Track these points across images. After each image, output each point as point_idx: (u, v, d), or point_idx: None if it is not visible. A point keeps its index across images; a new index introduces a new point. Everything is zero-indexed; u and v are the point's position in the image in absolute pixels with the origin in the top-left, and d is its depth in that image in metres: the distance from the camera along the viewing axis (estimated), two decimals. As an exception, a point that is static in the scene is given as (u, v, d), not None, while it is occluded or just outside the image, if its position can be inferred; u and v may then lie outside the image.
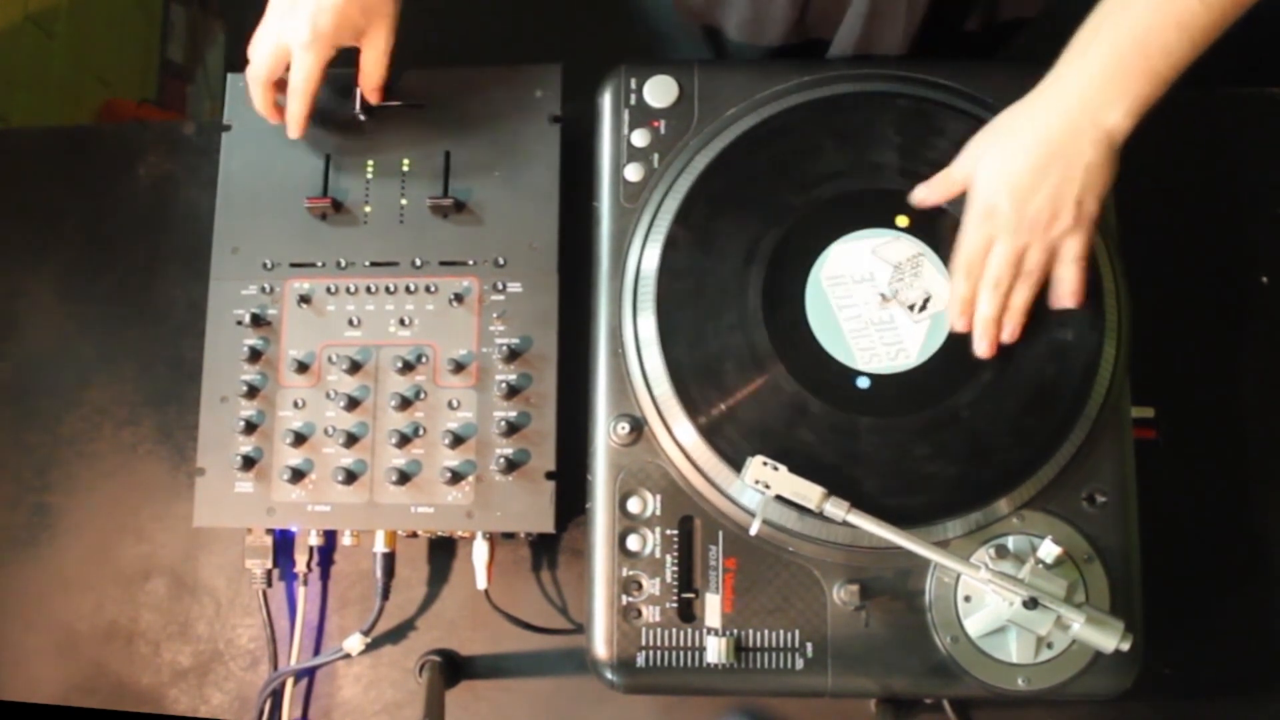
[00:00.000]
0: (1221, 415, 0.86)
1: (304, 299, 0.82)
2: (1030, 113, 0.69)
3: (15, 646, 0.88)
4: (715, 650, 0.71)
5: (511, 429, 0.79)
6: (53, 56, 1.56)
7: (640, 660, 0.72)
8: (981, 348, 0.72)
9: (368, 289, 0.82)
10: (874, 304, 0.75)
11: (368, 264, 0.82)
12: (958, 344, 0.73)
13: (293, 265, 0.83)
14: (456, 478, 0.78)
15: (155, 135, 0.98)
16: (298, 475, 0.79)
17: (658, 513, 0.74)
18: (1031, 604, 0.66)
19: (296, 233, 0.83)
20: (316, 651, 0.85)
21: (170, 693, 0.86)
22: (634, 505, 0.74)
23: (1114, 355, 0.74)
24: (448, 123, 0.85)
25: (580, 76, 0.87)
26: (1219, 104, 0.92)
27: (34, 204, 0.96)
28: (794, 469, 0.69)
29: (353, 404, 0.80)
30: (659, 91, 0.80)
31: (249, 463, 0.79)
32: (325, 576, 0.86)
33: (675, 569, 0.73)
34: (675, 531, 0.73)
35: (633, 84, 0.80)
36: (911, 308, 0.74)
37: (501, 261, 0.82)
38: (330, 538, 0.85)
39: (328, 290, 0.82)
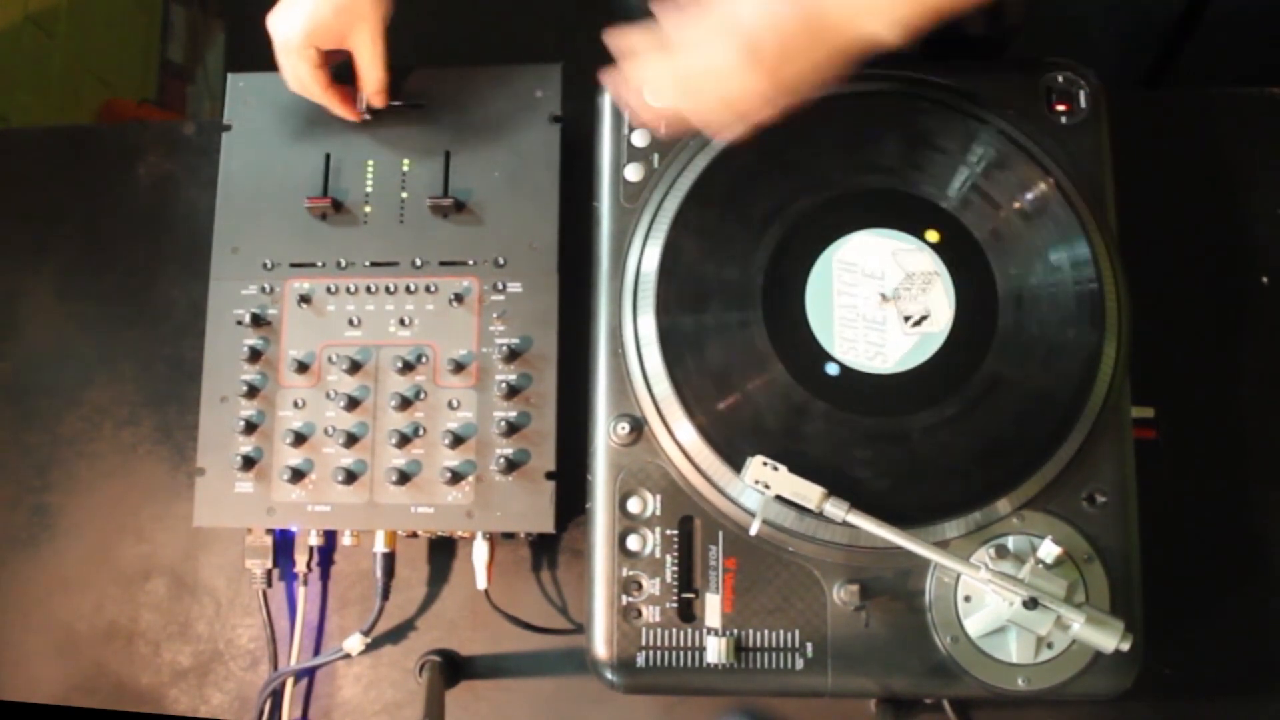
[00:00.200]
0: (1221, 415, 0.86)
1: (304, 299, 0.82)
2: None
3: (15, 646, 0.88)
4: (715, 650, 0.71)
5: (511, 429, 0.79)
6: (53, 56, 1.56)
7: (640, 660, 0.72)
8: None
9: (368, 289, 0.82)
10: (873, 301, 0.75)
11: (368, 264, 0.82)
12: (937, 368, 0.73)
13: (293, 265, 0.83)
14: (456, 478, 0.78)
15: (155, 135, 0.98)
16: (298, 475, 0.79)
17: (658, 513, 0.74)
18: (1031, 604, 0.66)
19: (296, 233, 0.83)
20: (316, 651, 0.85)
21: (170, 693, 0.86)
22: (634, 505, 0.74)
23: (1114, 355, 0.74)
24: (448, 123, 0.85)
25: (580, 76, 0.87)
26: (1219, 104, 0.92)
27: (34, 204, 0.96)
28: (794, 469, 0.69)
29: (353, 404, 0.80)
30: (659, 91, 0.80)
31: (249, 463, 0.80)
32: (325, 576, 0.86)
33: (675, 569, 0.73)
34: (675, 531, 0.73)
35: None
36: (907, 319, 0.74)
37: (501, 261, 0.82)
38: (330, 538, 0.86)
39: (328, 290, 0.82)
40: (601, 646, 0.73)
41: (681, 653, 0.72)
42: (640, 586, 0.73)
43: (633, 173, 0.79)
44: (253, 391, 0.81)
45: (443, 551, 0.86)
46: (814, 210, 0.76)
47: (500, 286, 0.81)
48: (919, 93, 0.79)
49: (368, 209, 0.84)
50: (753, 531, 0.70)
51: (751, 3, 0.65)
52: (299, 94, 0.83)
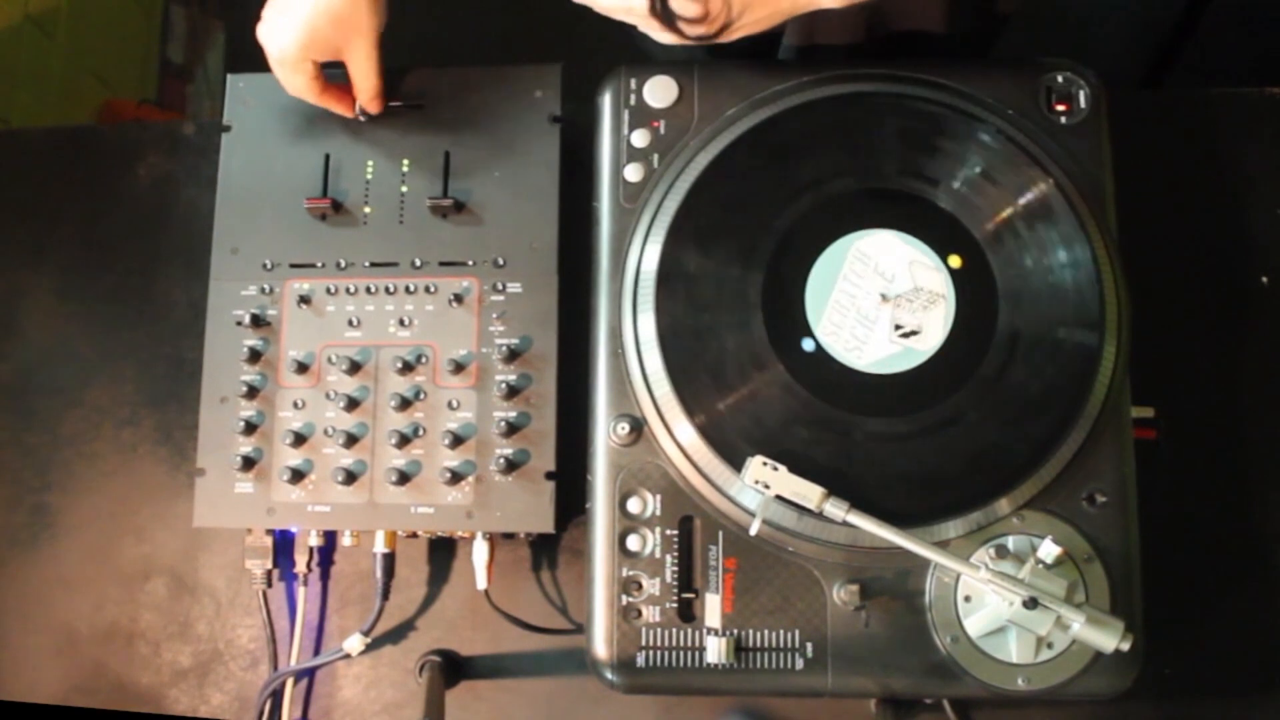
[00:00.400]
0: (1221, 415, 0.86)
1: (304, 299, 0.82)
2: None
3: (15, 646, 0.88)
4: (715, 650, 0.71)
5: (511, 429, 0.79)
6: (53, 56, 1.56)
7: (640, 660, 0.72)
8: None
9: (367, 289, 0.82)
10: (873, 298, 0.75)
11: (368, 264, 0.82)
12: (906, 384, 0.73)
13: (293, 265, 0.83)
14: (456, 478, 0.78)
15: (155, 135, 0.98)
16: (298, 475, 0.79)
17: (658, 513, 0.74)
18: (1031, 604, 0.66)
19: (296, 233, 0.83)
20: (316, 651, 0.85)
21: (170, 693, 0.86)
22: (634, 505, 0.74)
23: (1114, 355, 0.74)
24: (448, 123, 0.85)
25: (580, 76, 0.87)
26: (1219, 104, 0.92)
27: (34, 204, 0.96)
28: (794, 469, 0.69)
29: (353, 404, 0.80)
30: (659, 92, 0.80)
31: (249, 463, 0.80)
32: (325, 576, 0.86)
33: (675, 569, 0.73)
34: (675, 531, 0.74)
35: (632, 84, 0.80)
36: (898, 328, 0.74)
37: (501, 262, 0.82)
38: (330, 538, 0.86)
39: (328, 290, 0.82)
40: (601, 646, 0.73)
41: (681, 653, 0.72)
42: (640, 586, 0.73)
43: (633, 173, 0.79)
44: (252, 392, 0.81)
45: (443, 551, 0.86)
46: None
47: (500, 287, 0.81)
48: (919, 93, 0.79)
49: (367, 209, 0.84)
50: (753, 531, 0.70)
51: None
52: (296, 98, 0.83)
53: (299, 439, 0.80)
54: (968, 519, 0.71)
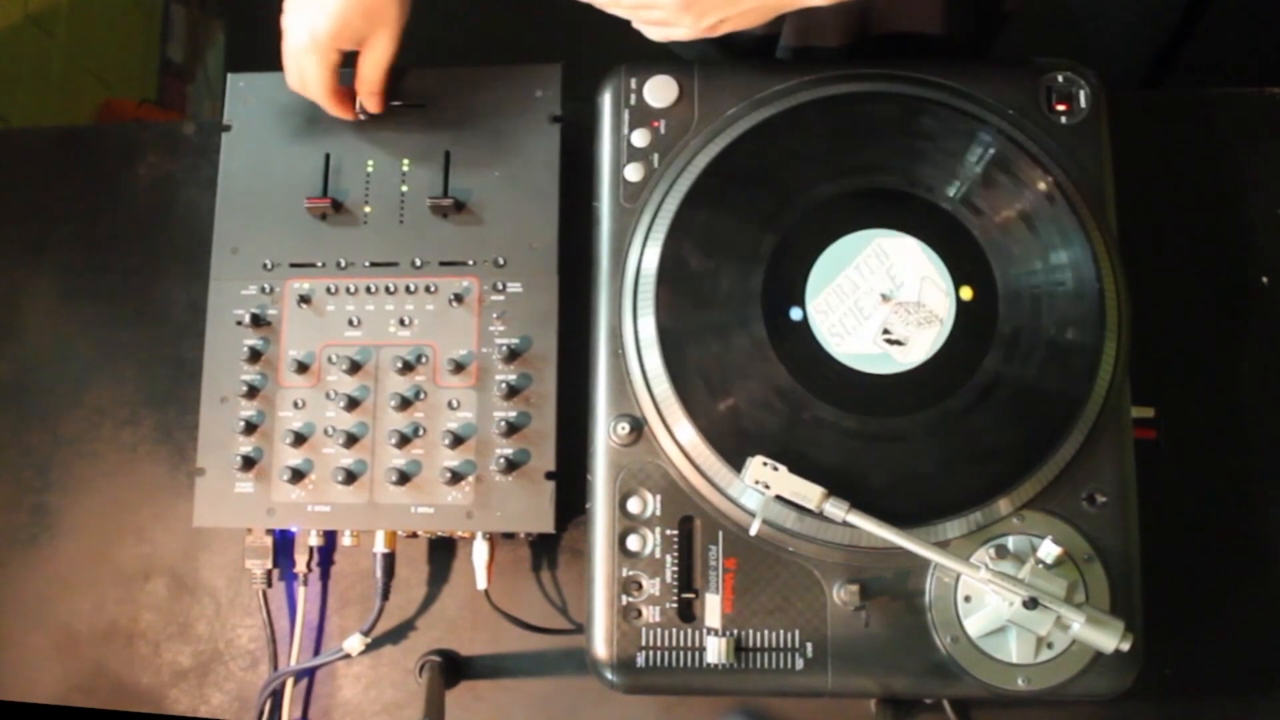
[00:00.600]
0: (1221, 415, 0.86)
1: (304, 299, 0.82)
2: None
3: (15, 646, 0.88)
4: (715, 650, 0.71)
5: (511, 429, 0.79)
6: (53, 56, 1.56)
7: (640, 660, 0.72)
8: None
9: (368, 289, 0.82)
10: (875, 295, 0.75)
11: (368, 264, 0.82)
12: (875, 389, 0.73)
13: (293, 265, 0.83)
14: (456, 478, 0.78)
15: (155, 135, 0.98)
16: (298, 475, 0.79)
17: (658, 513, 0.74)
18: (1031, 604, 0.66)
19: (296, 233, 0.83)
20: (316, 651, 0.85)
21: (170, 693, 0.86)
22: (634, 505, 0.74)
23: (1114, 355, 0.74)
24: (448, 123, 0.85)
25: (580, 76, 0.87)
26: (1219, 104, 0.92)
27: (34, 204, 0.96)
28: (794, 469, 0.69)
29: (353, 404, 0.80)
30: (659, 91, 0.80)
31: (249, 463, 0.80)
32: (325, 576, 0.86)
33: (675, 569, 0.73)
34: (675, 531, 0.74)
35: (633, 84, 0.80)
36: (885, 332, 0.74)
37: (501, 261, 0.82)
38: (330, 538, 0.86)
39: (328, 290, 0.82)
40: (601, 646, 0.73)
41: (681, 653, 0.72)
42: (640, 586, 0.73)
43: (633, 173, 0.79)
44: (253, 392, 0.81)
45: (443, 551, 0.86)
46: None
47: (500, 286, 0.81)
48: (919, 92, 0.79)
49: (367, 209, 0.84)
50: (753, 532, 0.70)
51: None
52: (298, 92, 0.82)
53: (299, 439, 0.80)
54: (968, 519, 0.71)
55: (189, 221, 0.93)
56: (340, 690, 0.85)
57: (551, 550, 0.86)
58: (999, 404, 0.73)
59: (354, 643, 0.80)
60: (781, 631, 0.72)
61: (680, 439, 0.73)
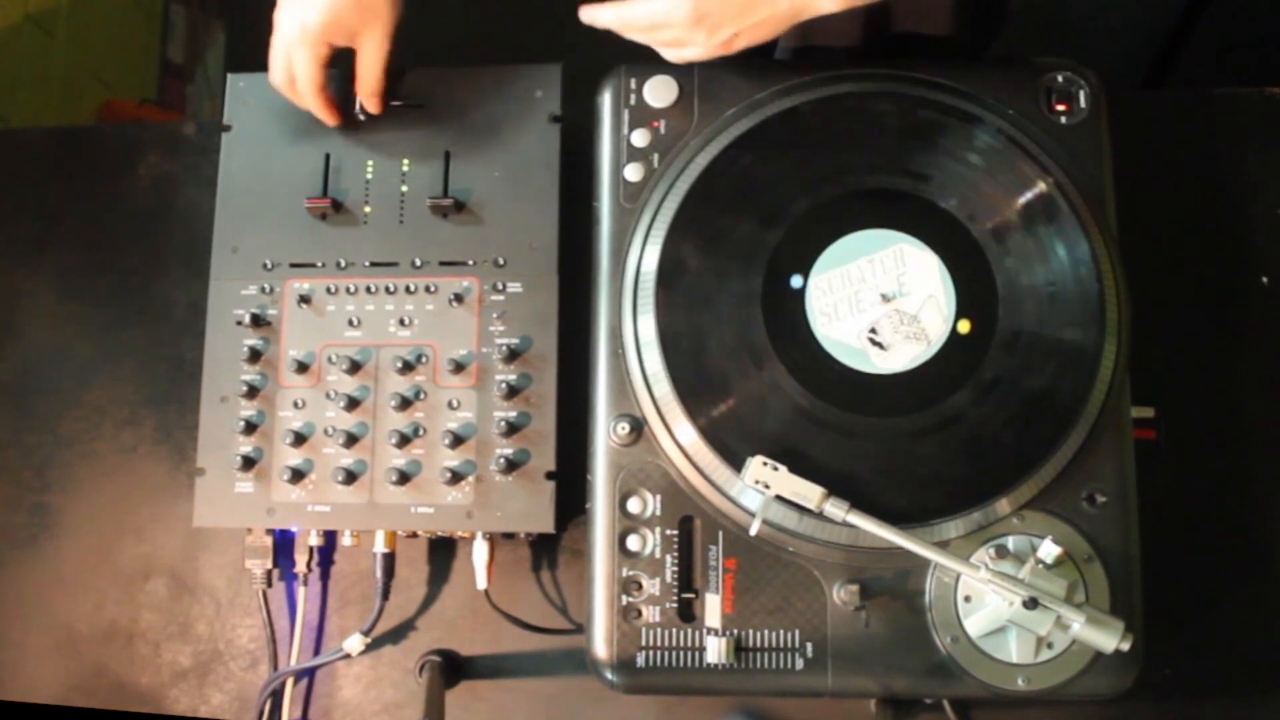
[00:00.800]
0: (1221, 415, 0.86)
1: (304, 299, 0.82)
2: None
3: (15, 646, 0.88)
4: (715, 650, 0.71)
5: (511, 429, 0.79)
6: (53, 56, 1.56)
7: (640, 660, 0.72)
8: None
9: (368, 289, 0.82)
10: (875, 293, 0.74)
11: (368, 264, 0.82)
12: (841, 381, 0.73)
13: (293, 265, 0.83)
14: (456, 478, 0.78)
15: (155, 135, 0.98)
16: (298, 475, 0.79)
17: (658, 513, 0.74)
18: (1031, 604, 0.66)
19: (296, 233, 0.83)
20: (316, 651, 0.85)
21: (170, 693, 0.86)
22: (634, 505, 0.74)
23: (1114, 355, 0.74)
24: (448, 123, 0.85)
25: (580, 76, 0.87)
26: (1219, 104, 0.92)
27: (34, 204, 0.96)
28: (794, 469, 0.69)
29: (353, 404, 0.80)
30: (659, 91, 0.80)
31: (249, 463, 0.80)
32: (325, 576, 0.86)
33: (675, 569, 0.73)
34: (675, 531, 0.73)
35: (633, 84, 0.80)
36: (871, 332, 0.74)
37: (501, 261, 0.82)
38: (330, 538, 0.86)
39: (328, 290, 0.82)
40: (601, 646, 0.73)
41: (681, 653, 0.72)
42: (640, 586, 0.73)
43: (633, 173, 0.79)
44: (253, 391, 0.81)
45: (443, 551, 0.86)
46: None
47: (500, 286, 0.81)
48: (919, 92, 0.79)
49: (367, 209, 0.84)
50: (753, 532, 0.70)
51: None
52: (281, 89, 0.82)
53: (299, 439, 0.80)
54: (968, 519, 0.71)
55: (189, 221, 0.93)
56: (340, 690, 0.85)
57: (551, 550, 0.86)
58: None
59: (354, 643, 0.80)
60: (781, 631, 0.72)
61: (680, 439, 0.73)
